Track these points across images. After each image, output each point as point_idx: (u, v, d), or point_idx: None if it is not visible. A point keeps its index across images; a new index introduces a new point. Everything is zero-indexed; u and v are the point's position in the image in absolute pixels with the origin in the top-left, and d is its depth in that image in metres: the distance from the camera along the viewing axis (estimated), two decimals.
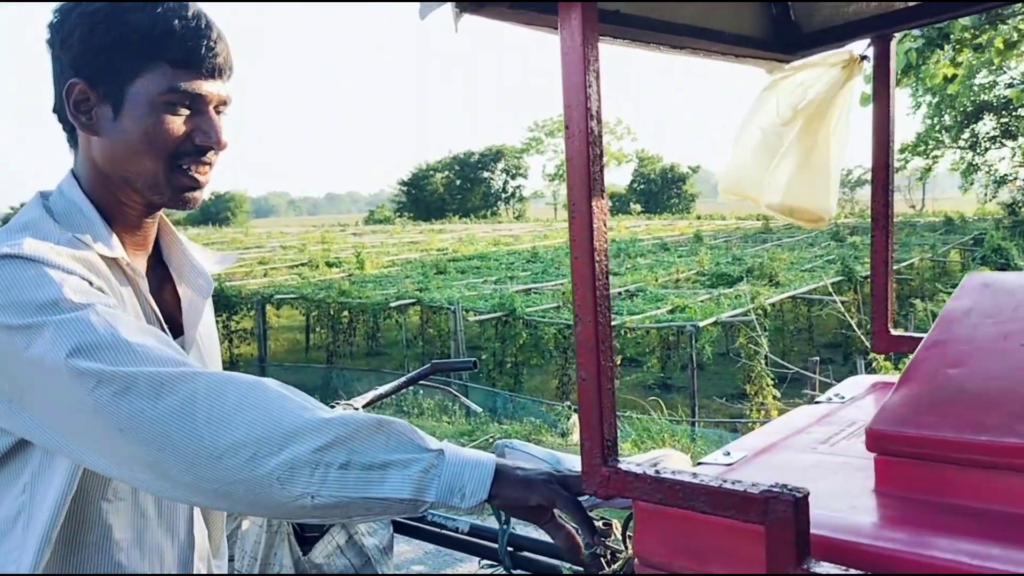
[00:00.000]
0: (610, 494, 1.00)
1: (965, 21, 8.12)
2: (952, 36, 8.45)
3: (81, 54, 1.17)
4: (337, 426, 1.00)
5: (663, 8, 1.43)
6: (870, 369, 8.95)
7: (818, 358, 9.42)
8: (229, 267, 1.49)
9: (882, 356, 7.90)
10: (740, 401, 11.49)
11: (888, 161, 1.67)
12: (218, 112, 1.24)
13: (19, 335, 1.01)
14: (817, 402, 1.57)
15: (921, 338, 1.28)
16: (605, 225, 1.05)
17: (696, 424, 9.91)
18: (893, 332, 1.68)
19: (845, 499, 1.02)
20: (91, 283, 1.10)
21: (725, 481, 0.90)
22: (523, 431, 7.57)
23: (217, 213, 68.11)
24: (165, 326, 1.26)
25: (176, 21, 1.17)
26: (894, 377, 1.80)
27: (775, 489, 0.85)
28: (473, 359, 1.98)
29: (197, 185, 1.24)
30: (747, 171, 1.69)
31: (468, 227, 44.32)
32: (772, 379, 10.83)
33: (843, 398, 1.53)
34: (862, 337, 8.72)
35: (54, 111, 1.23)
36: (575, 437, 8.05)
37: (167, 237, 1.36)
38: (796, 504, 0.84)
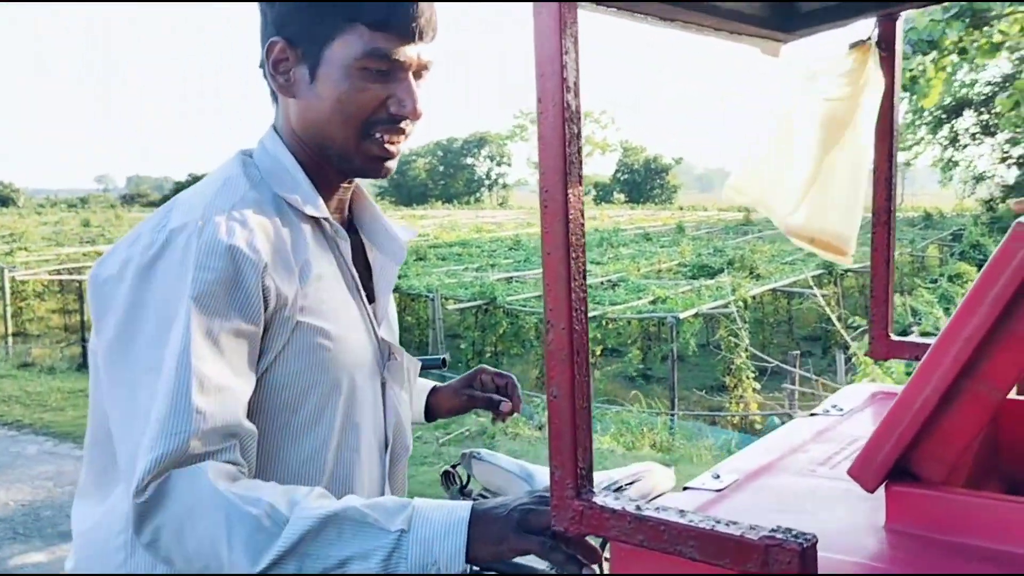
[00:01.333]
0: (583, 532, 0.86)
1: (952, 33, 8.01)
2: (939, 43, 8.38)
3: (282, 11, 1.12)
4: (283, 539, 0.93)
5: None
6: (850, 364, 8.91)
7: (798, 352, 9.34)
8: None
9: (862, 351, 7.85)
10: (720, 393, 11.42)
11: (891, 153, 1.54)
12: (418, 77, 1.16)
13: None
14: (814, 414, 1.44)
15: (926, 344, 1.15)
16: (582, 216, 0.90)
17: (675, 417, 9.82)
18: (893, 337, 1.55)
19: (852, 537, 0.89)
20: (252, 270, 1.03)
21: (719, 522, 0.76)
22: (499, 426, 7.44)
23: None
24: (362, 292, 1.21)
25: None
26: (894, 387, 1.68)
27: (778, 535, 0.72)
28: (443, 356, 1.84)
29: (388, 155, 1.17)
30: (762, 177, 1.51)
31: (451, 213, 44.09)
32: (752, 372, 10.76)
33: (841, 410, 1.41)
34: (841, 331, 8.64)
35: (260, 66, 1.17)
36: None
37: (360, 202, 1.31)
38: (803, 555, 0.70)
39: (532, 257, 19.52)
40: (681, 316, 10.68)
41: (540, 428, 7.91)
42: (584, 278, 0.90)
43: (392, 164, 1.19)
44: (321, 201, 1.16)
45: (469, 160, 72.97)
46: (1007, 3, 7.33)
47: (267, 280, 1.04)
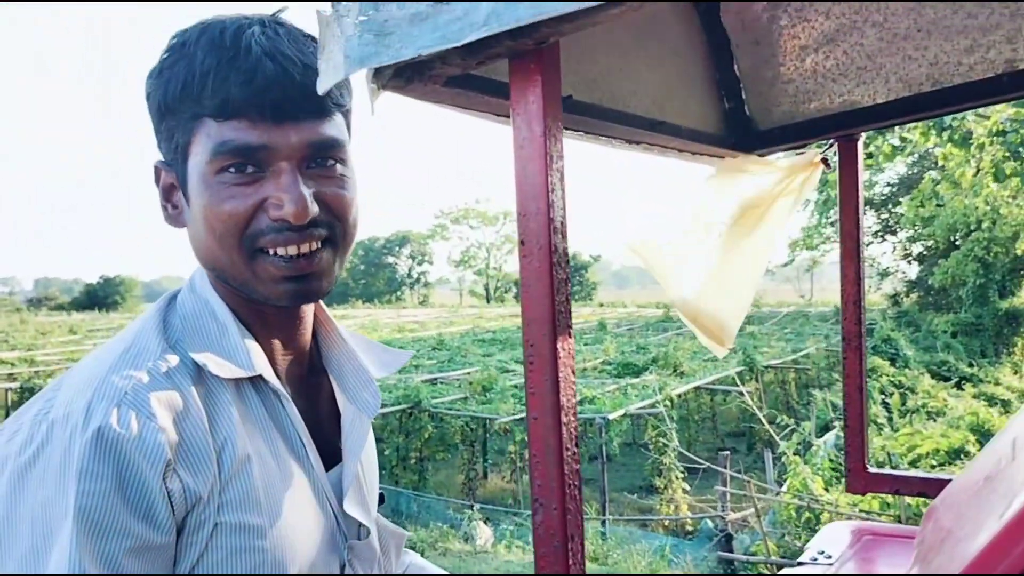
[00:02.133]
0: None
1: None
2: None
3: (154, 128, 0.93)
4: None
5: (616, 96, 1.22)
6: (779, 463, 8.92)
7: (728, 452, 9.31)
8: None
9: (791, 450, 7.86)
10: (649, 495, 11.26)
11: (859, 276, 1.49)
12: (319, 162, 0.91)
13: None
14: (800, 563, 1.32)
15: (910, 477, 1.05)
16: (573, 373, 0.78)
17: (607, 522, 9.59)
18: (872, 469, 1.46)
19: None
20: (178, 451, 0.83)
21: None
22: (429, 538, 7.10)
23: (105, 298, 64.84)
24: (315, 457, 0.96)
25: (219, 53, 0.87)
26: (879, 525, 1.59)
27: None
28: (380, 492, 1.65)
29: (295, 272, 0.91)
30: (666, 244, 1.47)
31: (372, 312, 43.64)
32: (681, 472, 10.67)
33: (830, 557, 1.29)
34: (768, 428, 8.69)
35: None
36: (480, 541, 7.62)
37: (325, 333, 1.07)
38: None
39: (456, 357, 19.30)
40: (610, 417, 10.59)
41: (467, 540, 7.58)
42: (577, 445, 0.78)
43: (316, 283, 0.93)
44: (254, 353, 0.93)
45: (390, 259, 73.04)
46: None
47: (171, 480, 0.82)
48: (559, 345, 0.76)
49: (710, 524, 9.22)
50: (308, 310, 1.02)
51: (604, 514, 10.15)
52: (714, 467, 9.17)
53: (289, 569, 0.91)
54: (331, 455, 1.02)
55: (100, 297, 64.34)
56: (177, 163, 0.91)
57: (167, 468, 0.82)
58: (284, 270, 0.90)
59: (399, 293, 72.34)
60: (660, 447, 10.81)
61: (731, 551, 8.36)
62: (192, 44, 0.88)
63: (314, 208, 0.89)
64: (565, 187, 0.78)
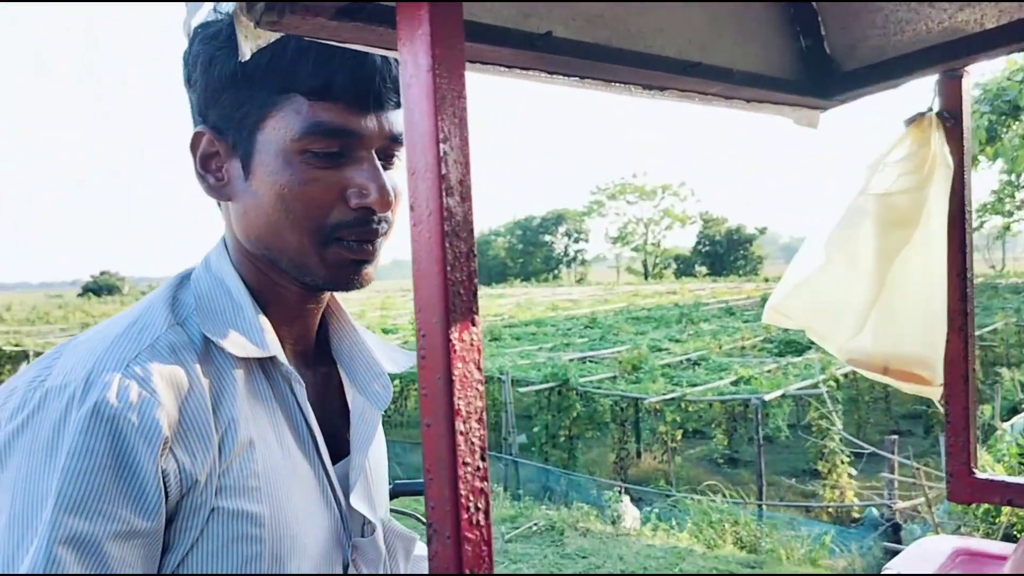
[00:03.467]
0: None
1: None
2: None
3: (204, 93, 0.89)
4: None
5: (633, 35, 1.02)
6: None
7: (896, 436, 8.62)
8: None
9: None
10: (812, 480, 10.66)
11: (964, 243, 1.22)
12: (390, 155, 0.91)
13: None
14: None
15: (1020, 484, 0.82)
16: (478, 370, 0.63)
17: (763, 507, 9.15)
18: (979, 475, 1.19)
19: None
20: (175, 439, 0.79)
21: None
22: (570, 518, 7.02)
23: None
24: (323, 449, 0.93)
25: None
26: (979, 542, 1.32)
27: None
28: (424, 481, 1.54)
29: (363, 260, 0.90)
30: (812, 296, 1.20)
31: (528, 291, 44.12)
32: (847, 457, 10.01)
33: None
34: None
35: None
36: (627, 522, 7.45)
37: (336, 323, 1.03)
38: None
39: (607, 336, 19.11)
40: (766, 398, 10.08)
41: (613, 523, 7.44)
42: (484, 458, 0.63)
43: (370, 271, 0.92)
44: (268, 335, 0.89)
45: (547, 237, 73.33)
46: None
47: (167, 461, 0.78)
48: (455, 336, 0.61)
49: (876, 513, 8.59)
50: (326, 298, 0.99)
51: (761, 498, 9.70)
52: (880, 452, 8.53)
53: (288, 563, 0.85)
54: (337, 448, 0.96)
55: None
56: (240, 133, 0.87)
57: (164, 447, 0.78)
58: (354, 255, 0.89)
59: (556, 272, 72.74)
60: (823, 430, 10.19)
61: (899, 542, 7.76)
62: None
63: (393, 199, 0.89)
64: (467, 136, 0.63)
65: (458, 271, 0.61)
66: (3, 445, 0.77)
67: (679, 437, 12.02)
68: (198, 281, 0.92)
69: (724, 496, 8.49)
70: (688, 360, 14.47)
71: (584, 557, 6.07)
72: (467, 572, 0.60)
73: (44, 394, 0.78)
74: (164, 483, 0.78)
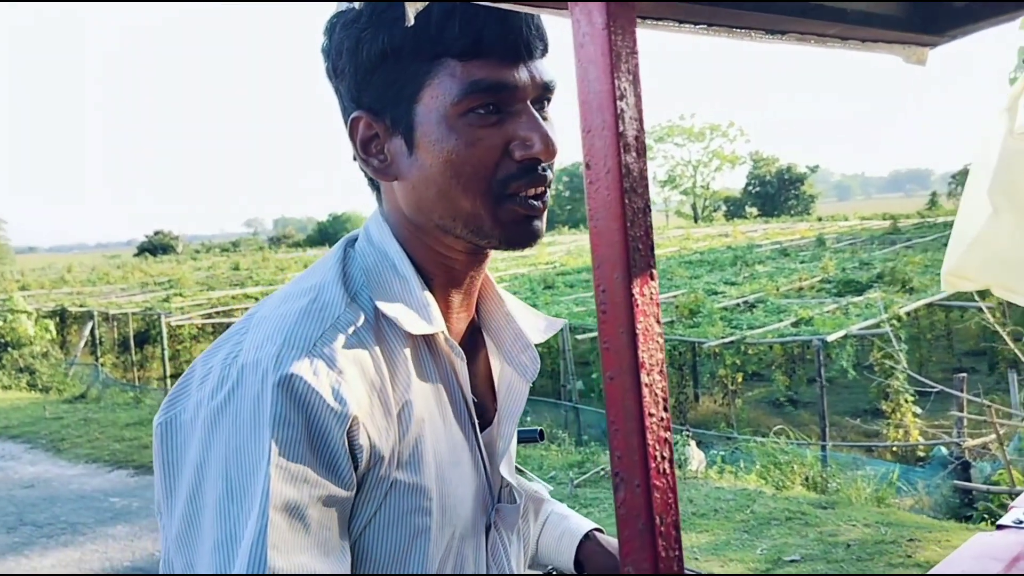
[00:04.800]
0: None
1: None
2: None
3: (354, 78, 0.90)
4: None
5: None
6: None
7: (965, 374, 8.46)
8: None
9: None
10: (875, 419, 10.57)
11: None
12: (541, 104, 0.91)
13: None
14: (999, 526, 1.10)
15: None
16: (659, 323, 0.64)
17: (827, 448, 9.11)
18: None
19: None
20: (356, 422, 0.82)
21: None
22: None
23: (334, 234, 70.23)
24: (476, 422, 0.96)
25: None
26: None
27: None
28: (540, 428, 1.61)
29: (535, 213, 0.91)
30: (987, 253, 1.17)
31: (578, 238, 43.91)
32: (912, 396, 9.88)
33: None
34: (1014, 348, 7.74)
35: (353, 159, 0.95)
36: (693, 466, 7.50)
37: (488, 296, 1.05)
38: None
39: (661, 280, 18.99)
40: (829, 339, 9.96)
41: (680, 466, 7.49)
42: (666, 409, 0.64)
43: (541, 224, 0.92)
44: (435, 310, 0.91)
45: None
46: None
47: (358, 436, 0.82)
48: (636, 290, 0.62)
49: (944, 451, 8.50)
50: (485, 266, 0.99)
51: (824, 439, 9.66)
52: (948, 390, 8.40)
53: (446, 532, 0.90)
54: (481, 415, 0.99)
55: (330, 234, 69.81)
56: (396, 110, 0.88)
57: (352, 424, 0.81)
58: (527, 210, 0.89)
59: None
60: (887, 369, 10.06)
61: (968, 480, 7.68)
62: None
63: (556, 147, 0.89)
64: (641, 93, 0.63)
65: (636, 227, 0.63)
66: (211, 420, 0.81)
67: (740, 380, 11.98)
68: (364, 254, 0.93)
69: (788, 438, 8.47)
70: (745, 303, 14.33)
71: None
72: (656, 517, 0.63)
73: (240, 369, 0.81)
74: (353, 457, 0.82)
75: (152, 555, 5.82)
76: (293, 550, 0.77)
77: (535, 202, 0.90)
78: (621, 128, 0.61)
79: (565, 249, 32.74)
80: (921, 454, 9.70)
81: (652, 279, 0.63)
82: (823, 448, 9.32)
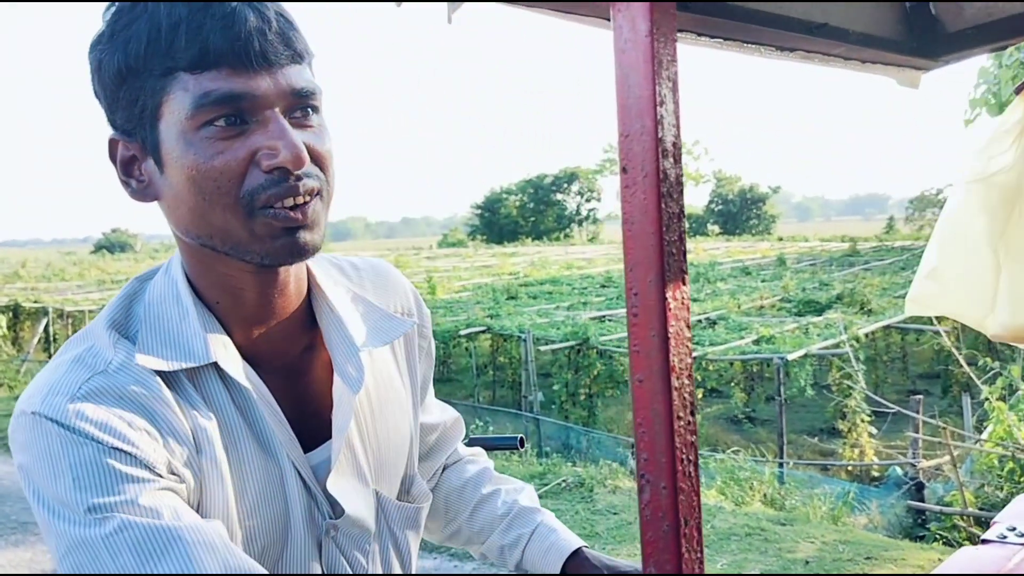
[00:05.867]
0: None
1: None
2: None
3: (105, 100, 0.87)
4: None
5: None
6: (979, 409, 8.17)
7: (920, 396, 8.64)
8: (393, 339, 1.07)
9: (995, 395, 7.16)
10: (832, 439, 10.74)
11: None
12: (299, 111, 0.87)
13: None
14: (985, 540, 1.13)
15: None
16: (688, 327, 0.65)
17: (784, 465, 9.24)
18: None
19: None
20: (130, 449, 0.82)
21: None
22: (599, 475, 7.10)
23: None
24: (287, 438, 0.93)
25: (186, 10, 0.81)
26: None
27: None
28: (520, 436, 1.60)
29: (295, 225, 0.85)
30: (942, 283, 1.22)
31: (541, 250, 44.03)
32: (868, 416, 10.06)
33: (1022, 535, 1.09)
34: (967, 370, 7.92)
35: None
36: None
37: (317, 301, 1.00)
38: None
39: (623, 295, 19.05)
40: (790, 357, 10.10)
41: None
42: (693, 413, 0.65)
43: (308, 237, 0.86)
44: (212, 339, 0.89)
45: (559, 196, 72.94)
46: None
47: (138, 455, 0.82)
48: (669, 294, 0.63)
49: (899, 471, 8.65)
50: (291, 276, 0.94)
51: (782, 456, 9.78)
52: (904, 411, 8.57)
53: (250, 546, 0.91)
54: (319, 435, 0.98)
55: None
56: (144, 129, 0.85)
57: (127, 447, 0.82)
58: (283, 222, 0.85)
59: (568, 231, 72.40)
60: (845, 389, 10.23)
61: (922, 500, 7.82)
62: (149, 1, 0.83)
63: (306, 155, 0.85)
64: (679, 100, 0.64)
65: (672, 231, 0.63)
66: (24, 474, 0.83)
67: (699, 396, 12.10)
68: (154, 287, 0.93)
69: (745, 454, 8.56)
70: (707, 319, 14.49)
71: (615, 513, 6.16)
72: (682, 520, 0.63)
73: (16, 418, 0.84)
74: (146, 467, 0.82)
75: None
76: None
77: (292, 213, 0.84)
78: (660, 134, 0.62)
79: (528, 261, 32.81)
80: (876, 474, 9.87)
81: (684, 284, 0.64)
82: (780, 465, 9.45)
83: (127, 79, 0.83)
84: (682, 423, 0.63)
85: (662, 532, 0.63)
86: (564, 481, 6.88)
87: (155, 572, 0.76)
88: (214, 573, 0.78)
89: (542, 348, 12.70)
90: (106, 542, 0.76)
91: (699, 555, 0.65)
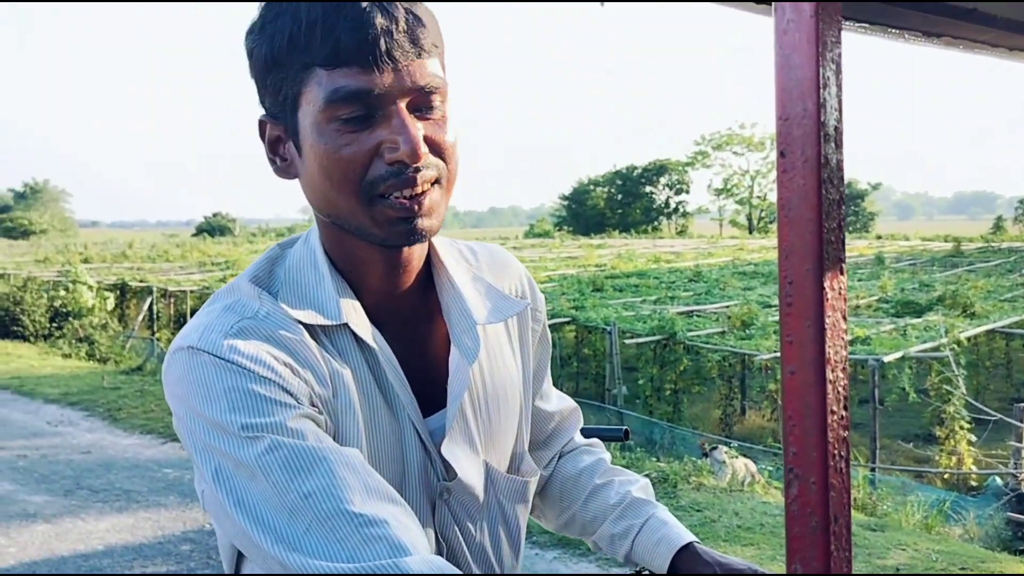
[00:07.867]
0: None
1: None
2: None
3: (256, 84, 0.96)
4: None
5: None
6: None
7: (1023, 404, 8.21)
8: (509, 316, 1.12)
9: None
10: (928, 445, 10.31)
11: None
12: (421, 107, 0.92)
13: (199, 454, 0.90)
14: None
15: None
16: (844, 319, 0.63)
17: (876, 470, 8.93)
18: None
19: None
20: (284, 386, 0.89)
21: None
22: (683, 471, 7.02)
23: None
24: (409, 401, 1.00)
25: (324, 3, 0.88)
26: None
27: None
28: (625, 428, 1.59)
29: (410, 214, 0.92)
30: None
31: (628, 242, 43.60)
32: (967, 423, 9.62)
33: None
34: None
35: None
36: (739, 477, 7.41)
37: (438, 276, 1.06)
38: None
39: (713, 290, 18.76)
40: (886, 360, 9.74)
41: (723, 478, 7.40)
42: (847, 407, 0.63)
43: (425, 223, 0.93)
44: (347, 301, 0.96)
45: (648, 188, 71.95)
46: None
47: (286, 384, 0.90)
48: (827, 283, 0.61)
49: (999, 482, 8.26)
50: (414, 253, 1.01)
51: (874, 461, 9.46)
52: (1007, 419, 8.16)
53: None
54: (435, 402, 1.02)
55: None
56: (286, 115, 0.93)
57: (278, 374, 0.89)
58: (399, 212, 0.91)
59: (656, 223, 71.42)
60: (944, 394, 9.81)
61: (1023, 513, 7.45)
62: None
63: (425, 148, 0.91)
64: (842, 83, 0.62)
65: (831, 219, 0.61)
66: (179, 403, 0.91)
67: None
68: (295, 253, 1.01)
69: None
70: None
71: (699, 511, 6.08)
72: (831, 516, 0.61)
73: (171, 354, 0.93)
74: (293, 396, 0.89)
75: (203, 526, 5.94)
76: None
77: (409, 203, 0.91)
78: (823, 117, 0.60)
79: (615, 253, 32.51)
80: (974, 483, 9.44)
81: (842, 273, 0.62)
82: (872, 470, 9.13)
83: (272, 69, 0.91)
84: (835, 417, 0.62)
85: (810, 529, 0.61)
86: (647, 476, 6.83)
87: (304, 488, 0.82)
88: (356, 489, 0.84)
89: (627, 341, 12.60)
90: (259, 460, 0.83)
91: (847, 554, 0.63)
